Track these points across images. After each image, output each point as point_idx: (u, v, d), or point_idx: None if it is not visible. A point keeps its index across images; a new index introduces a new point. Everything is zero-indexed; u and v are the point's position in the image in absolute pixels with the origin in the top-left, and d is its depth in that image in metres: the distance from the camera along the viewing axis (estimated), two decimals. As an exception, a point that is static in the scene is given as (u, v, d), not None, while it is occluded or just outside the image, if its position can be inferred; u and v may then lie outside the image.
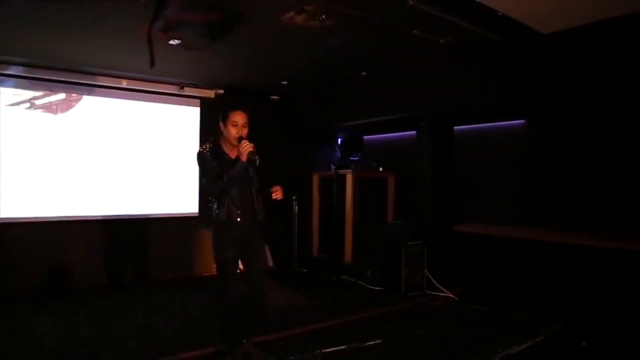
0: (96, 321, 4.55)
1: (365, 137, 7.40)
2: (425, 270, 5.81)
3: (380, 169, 7.04)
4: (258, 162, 3.28)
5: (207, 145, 3.44)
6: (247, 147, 3.25)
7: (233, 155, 3.37)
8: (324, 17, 3.65)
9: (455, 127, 6.14)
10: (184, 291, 5.72)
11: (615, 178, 4.88)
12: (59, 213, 5.75)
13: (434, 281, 5.76)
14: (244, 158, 3.24)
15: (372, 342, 4.14)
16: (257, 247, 3.62)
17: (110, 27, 3.74)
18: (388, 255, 5.82)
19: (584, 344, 4.13)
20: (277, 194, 3.49)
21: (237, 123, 3.34)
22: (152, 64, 3.23)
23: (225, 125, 3.38)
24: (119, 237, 6.16)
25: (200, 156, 3.38)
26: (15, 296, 5.28)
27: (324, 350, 3.90)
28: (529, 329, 4.40)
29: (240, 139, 3.32)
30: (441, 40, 4.29)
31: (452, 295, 5.58)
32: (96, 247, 6.02)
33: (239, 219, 3.38)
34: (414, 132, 6.39)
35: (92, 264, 5.95)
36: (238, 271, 3.52)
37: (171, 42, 3.53)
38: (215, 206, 3.40)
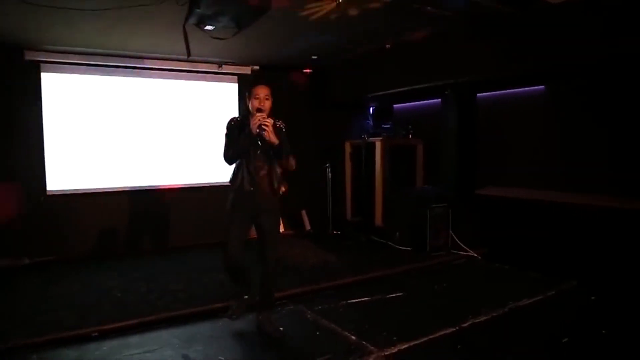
0: (150, 277, 5.22)
1: (395, 105, 7.70)
2: (450, 232, 6.17)
3: (410, 136, 7.36)
4: (272, 139, 3.40)
5: (237, 117, 3.76)
6: (257, 119, 3.41)
7: None
8: (340, 1, 3.99)
9: (478, 95, 6.34)
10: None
11: (635, 140, 5.02)
12: (115, 184, 6.47)
13: (459, 242, 6.12)
14: (253, 130, 3.44)
15: (393, 295, 4.61)
16: (271, 222, 3.69)
17: (156, 19, 4.27)
18: (415, 217, 6.20)
19: (592, 298, 4.43)
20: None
21: (258, 96, 3.49)
22: (188, 53, 3.69)
23: (249, 99, 3.56)
24: (166, 205, 6.82)
25: (227, 125, 3.69)
26: (84, 256, 6.10)
27: (348, 301, 4.41)
28: (543, 286, 4.73)
29: (259, 110, 3.46)
30: (449, 14, 4.49)
31: (475, 255, 5.93)
32: (146, 214, 6.72)
33: (251, 188, 3.56)
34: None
35: (143, 229, 6.70)
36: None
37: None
38: (231, 174, 3.72)
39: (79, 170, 6.24)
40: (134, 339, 3.64)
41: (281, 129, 3.63)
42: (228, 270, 3.73)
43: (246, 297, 3.86)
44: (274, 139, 3.44)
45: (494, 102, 6.31)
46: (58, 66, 6.04)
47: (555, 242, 5.45)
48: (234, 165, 3.68)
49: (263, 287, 3.76)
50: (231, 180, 3.68)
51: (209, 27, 3.48)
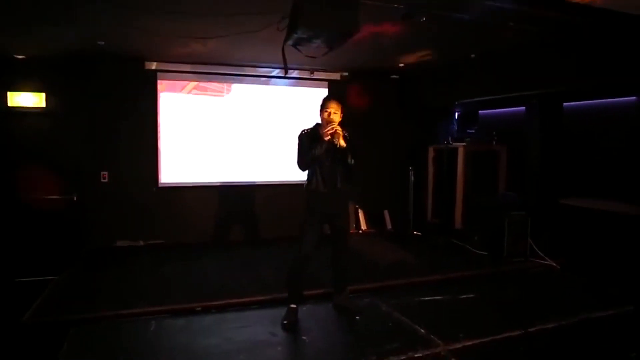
0: (243, 264, 5.87)
1: (480, 111, 7.80)
2: (529, 239, 6.23)
3: (494, 142, 7.45)
4: (341, 143, 3.84)
5: (307, 129, 4.19)
6: (329, 129, 3.86)
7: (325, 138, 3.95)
8: (424, 19, 4.31)
9: (565, 104, 6.32)
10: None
11: None
12: (215, 179, 7.22)
13: (537, 250, 6.16)
14: (325, 138, 3.88)
15: (464, 296, 4.86)
16: (342, 222, 4.28)
17: (256, 36, 4.87)
18: (494, 223, 6.33)
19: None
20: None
21: (329, 109, 3.96)
22: (286, 71, 4.22)
23: (321, 112, 4.03)
24: (257, 200, 7.46)
25: (298, 137, 4.17)
26: (187, 241, 6.90)
27: (421, 298, 4.74)
28: (619, 301, 4.70)
29: (329, 121, 3.91)
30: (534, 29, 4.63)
31: (554, 264, 5.96)
32: (239, 207, 7.41)
33: (323, 191, 4.04)
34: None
35: (236, 221, 7.39)
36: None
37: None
38: (306, 178, 4.21)
39: (185, 165, 7.06)
40: (230, 315, 4.26)
41: (346, 136, 4.03)
42: (296, 265, 4.16)
43: (293, 306, 4.16)
44: (342, 143, 3.90)
45: (582, 112, 6.26)
46: (171, 74, 6.89)
47: (637, 258, 5.35)
48: (307, 171, 4.16)
49: (339, 274, 4.35)
50: (306, 184, 4.20)
51: (303, 48, 3.95)
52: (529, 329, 3.98)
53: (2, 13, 4.36)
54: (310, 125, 4.20)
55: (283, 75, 7.10)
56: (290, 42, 3.88)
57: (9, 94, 6.09)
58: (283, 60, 4.04)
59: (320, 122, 4.09)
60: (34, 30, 4.99)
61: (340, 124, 3.99)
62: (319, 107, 4.11)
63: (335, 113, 3.98)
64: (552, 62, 5.41)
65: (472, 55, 6.24)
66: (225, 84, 7.20)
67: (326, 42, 3.92)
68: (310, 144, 4.02)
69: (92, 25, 4.77)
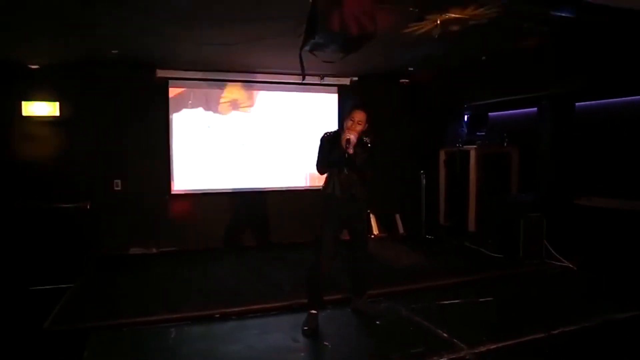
0: (257, 269, 5.85)
1: (490, 113, 7.78)
2: (545, 241, 6.19)
3: (505, 144, 7.42)
4: (351, 149, 3.83)
5: (329, 132, 4.17)
6: (346, 135, 3.86)
7: None
8: (438, 23, 4.31)
9: (577, 103, 6.30)
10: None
11: None
12: (226, 186, 7.22)
13: (553, 251, 6.13)
14: (342, 144, 3.87)
15: (483, 299, 4.83)
16: (361, 226, 4.25)
17: (266, 42, 4.88)
18: (508, 225, 6.31)
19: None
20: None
21: (353, 118, 3.93)
22: (303, 77, 4.22)
23: (346, 118, 4.05)
24: (268, 205, 7.45)
25: (320, 139, 4.14)
26: (200, 248, 6.90)
27: (440, 302, 4.71)
28: (640, 302, 4.67)
29: (349, 129, 3.90)
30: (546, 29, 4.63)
31: (570, 265, 5.92)
32: (250, 213, 7.40)
33: (340, 196, 4.02)
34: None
35: (248, 226, 7.41)
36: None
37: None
38: (324, 182, 4.19)
39: (197, 172, 7.07)
40: (250, 322, 4.23)
41: (366, 143, 4.04)
42: (316, 270, 4.10)
43: (314, 312, 4.11)
44: (351, 151, 3.87)
45: (594, 111, 6.24)
46: (183, 82, 6.91)
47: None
48: (326, 174, 4.14)
49: (357, 278, 4.36)
50: (323, 188, 4.18)
51: (320, 53, 3.96)
52: (552, 332, 3.94)
53: (17, 23, 4.39)
54: (330, 129, 4.20)
55: (298, 81, 7.10)
56: (307, 47, 3.87)
57: (23, 103, 6.13)
58: (300, 66, 4.03)
59: (344, 127, 4.03)
60: (48, 40, 5.02)
61: (365, 132, 3.99)
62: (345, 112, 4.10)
63: (359, 123, 3.94)
64: (564, 62, 5.39)
65: (483, 58, 6.24)
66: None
67: (343, 46, 3.91)
68: (331, 148, 4.01)
69: (108, 34, 4.79)
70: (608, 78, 5.10)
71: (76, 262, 6.10)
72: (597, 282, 5.40)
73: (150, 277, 5.58)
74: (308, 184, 7.58)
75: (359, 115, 3.95)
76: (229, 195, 7.26)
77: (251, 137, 7.31)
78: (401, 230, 8.11)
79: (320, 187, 4.27)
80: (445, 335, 3.90)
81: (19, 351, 3.78)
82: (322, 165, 4.08)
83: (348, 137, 3.87)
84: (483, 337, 3.81)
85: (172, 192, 6.98)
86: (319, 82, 7.48)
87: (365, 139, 4.05)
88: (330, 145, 4.04)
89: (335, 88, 7.71)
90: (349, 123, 3.96)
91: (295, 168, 7.56)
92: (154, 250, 6.78)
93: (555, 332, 3.95)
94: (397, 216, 8.18)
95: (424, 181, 7.78)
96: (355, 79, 7.69)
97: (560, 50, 5.38)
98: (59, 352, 3.73)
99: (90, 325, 4.02)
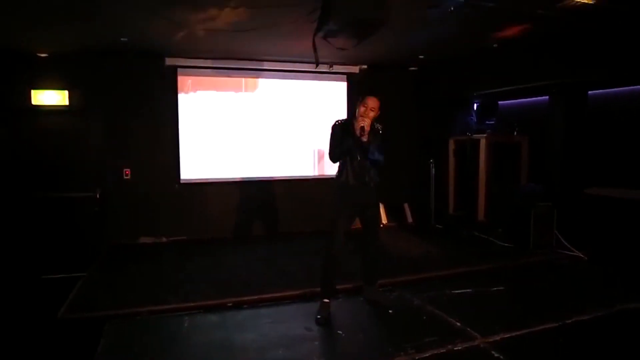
0: (267, 259, 5.86)
1: (500, 102, 7.71)
2: (555, 231, 6.17)
3: (515, 133, 7.37)
4: (364, 140, 3.82)
5: (340, 120, 4.15)
6: (360, 122, 3.85)
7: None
8: (452, 9, 4.26)
9: (589, 92, 6.24)
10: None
11: None
12: (235, 175, 7.22)
13: (564, 241, 6.10)
14: (357, 132, 3.87)
15: (495, 288, 4.82)
16: (373, 213, 4.29)
17: (279, 29, 4.84)
18: (518, 214, 6.28)
19: None
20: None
21: (366, 105, 3.91)
22: (317, 64, 4.19)
23: (358, 105, 4.02)
24: (277, 194, 7.46)
25: (332, 127, 4.12)
26: (209, 237, 6.92)
27: (452, 291, 4.71)
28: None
29: (362, 116, 3.88)
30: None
31: (581, 255, 5.90)
32: (259, 202, 7.42)
33: (355, 183, 4.00)
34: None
35: (257, 216, 7.42)
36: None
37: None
38: (336, 171, 4.17)
39: (206, 161, 7.06)
40: (264, 311, 4.24)
41: (378, 130, 4.05)
42: (330, 258, 4.09)
43: (327, 301, 4.11)
44: (365, 139, 3.86)
45: (607, 100, 6.17)
46: (192, 70, 6.88)
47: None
48: (338, 163, 4.12)
49: (369, 266, 4.35)
50: (336, 177, 4.15)
51: (334, 39, 3.93)
52: (566, 321, 3.93)
53: (25, 10, 4.35)
54: (340, 117, 4.17)
55: (308, 69, 7.08)
56: (321, 34, 3.85)
57: (32, 92, 6.12)
58: (314, 53, 4.02)
59: (355, 114, 4.03)
60: (57, 28, 4.99)
61: (376, 118, 3.97)
62: (358, 99, 4.05)
63: (372, 110, 3.93)
64: (576, 50, 5.33)
65: (495, 45, 6.16)
66: (243, 79, 7.18)
67: (357, 33, 3.89)
68: (343, 136, 3.99)
69: (117, 20, 4.75)
70: (622, 67, 5.03)
71: (86, 251, 6.14)
72: (608, 272, 5.37)
73: (162, 266, 5.60)
74: (317, 173, 7.57)
75: (372, 102, 3.93)
76: (238, 184, 7.25)
77: (259, 126, 7.29)
78: (410, 219, 8.10)
79: (329, 176, 4.25)
80: (458, 324, 3.90)
81: (34, 340, 3.81)
82: (335, 153, 4.06)
83: (362, 124, 3.85)
84: (496, 326, 3.80)
85: (182, 181, 6.97)
86: (328, 71, 7.42)
87: (377, 126, 4.05)
88: (342, 133, 4.01)
89: (345, 77, 7.66)
90: (361, 109, 3.94)
91: (304, 157, 7.54)
92: (164, 240, 6.80)
93: (569, 321, 3.94)
94: (406, 205, 8.16)
95: (433, 170, 7.74)
96: (365, 67, 7.64)
97: (574, 38, 5.31)
98: (74, 341, 3.75)
99: (104, 314, 4.04)
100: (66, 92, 6.27)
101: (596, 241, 6.00)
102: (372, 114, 3.94)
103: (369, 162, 4.03)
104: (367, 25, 3.75)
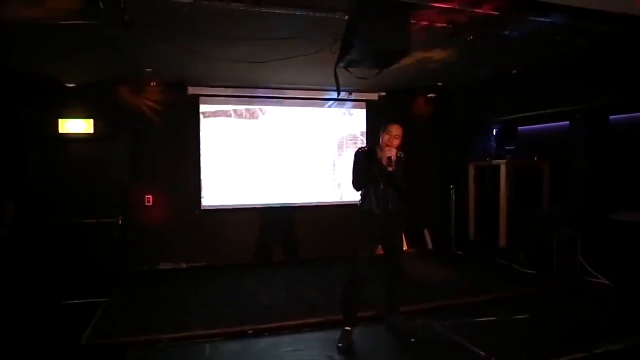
0: (288, 285, 5.82)
1: (519, 127, 7.69)
2: (579, 257, 6.06)
3: (535, 158, 7.32)
4: (393, 167, 3.84)
5: (364, 147, 4.23)
6: (387, 152, 3.88)
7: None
8: (471, 37, 4.32)
9: (611, 117, 6.20)
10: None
11: None
12: (256, 201, 7.26)
13: (588, 267, 5.98)
14: (383, 161, 3.88)
15: (519, 316, 4.73)
16: (396, 239, 4.29)
17: (296, 58, 4.95)
18: (541, 240, 6.19)
19: None
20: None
21: (390, 132, 3.96)
22: (338, 93, 4.27)
23: (382, 133, 4.06)
24: (297, 220, 7.48)
25: (355, 154, 4.16)
26: (229, 263, 6.92)
27: (475, 319, 4.63)
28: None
29: (387, 145, 3.92)
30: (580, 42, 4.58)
31: (606, 282, 5.77)
32: (280, 228, 7.43)
33: (379, 211, 4.02)
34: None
35: (278, 241, 7.43)
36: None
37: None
38: (360, 198, 4.18)
39: (227, 188, 7.13)
40: (284, 339, 4.22)
41: (401, 158, 4.08)
42: (352, 285, 4.07)
43: (348, 329, 4.07)
44: (391, 169, 3.87)
45: (630, 124, 6.11)
46: (213, 98, 7.02)
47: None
48: (361, 190, 4.13)
49: (391, 292, 4.35)
50: (360, 204, 4.16)
51: (355, 69, 3.99)
52: (595, 351, 3.83)
53: (56, 43, 4.52)
54: (363, 144, 4.20)
55: (327, 97, 7.17)
56: (342, 63, 3.91)
57: (59, 121, 6.29)
58: (336, 82, 4.07)
59: (380, 142, 4.06)
60: (88, 61, 5.17)
61: (398, 146, 4.00)
62: (381, 128, 4.09)
63: (396, 137, 3.97)
64: (598, 75, 5.32)
65: (514, 71, 6.19)
66: (261, 107, 7.30)
67: (378, 62, 3.95)
68: (367, 164, 4.01)
69: (145, 53, 4.91)
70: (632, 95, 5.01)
71: (107, 276, 6.19)
72: (636, 300, 5.24)
73: (182, 292, 5.61)
74: (338, 199, 7.58)
75: (396, 130, 3.98)
76: (259, 210, 7.30)
77: (281, 153, 7.36)
78: (430, 245, 8.03)
79: (349, 202, 4.27)
80: (482, 353, 3.83)
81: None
82: (359, 181, 4.08)
83: (389, 154, 3.87)
84: (522, 355, 3.72)
85: (202, 208, 7.04)
86: (347, 98, 7.51)
87: (400, 154, 4.07)
88: (366, 162, 4.04)
89: (364, 103, 7.73)
90: (385, 138, 3.97)
91: (325, 183, 7.58)
92: (184, 266, 6.83)
93: (598, 351, 3.84)
94: (426, 231, 8.10)
95: (453, 196, 7.71)
96: (383, 94, 7.71)
97: (595, 62, 5.31)
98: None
99: (127, 341, 4.06)
100: (91, 121, 6.44)
101: (622, 267, 5.86)
102: (396, 142, 3.97)
103: (392, 189, 4.05)
104: (389, 55, 3.80)
